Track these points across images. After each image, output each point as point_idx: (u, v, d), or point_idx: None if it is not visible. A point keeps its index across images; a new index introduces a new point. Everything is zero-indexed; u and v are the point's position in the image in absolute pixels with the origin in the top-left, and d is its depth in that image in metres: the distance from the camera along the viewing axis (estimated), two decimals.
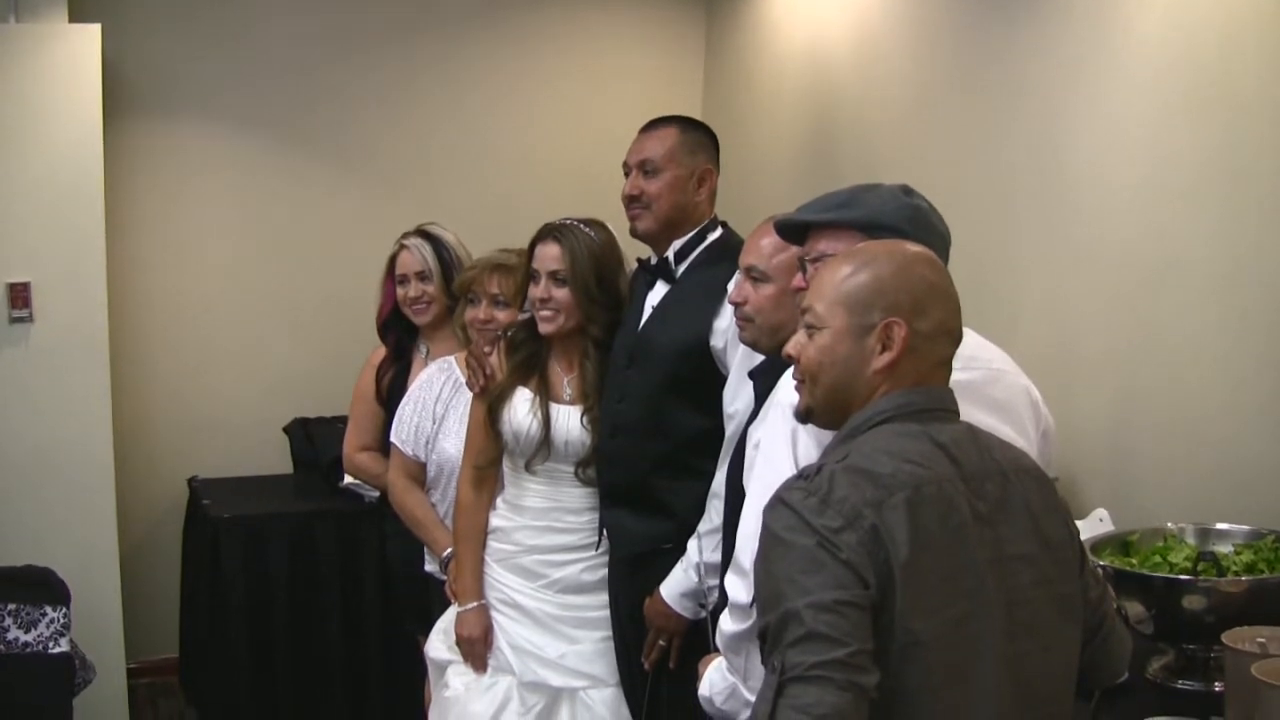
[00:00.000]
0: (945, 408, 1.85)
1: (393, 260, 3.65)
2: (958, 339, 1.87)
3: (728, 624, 2.11)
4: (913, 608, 1.65)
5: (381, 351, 3.73)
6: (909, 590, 1.65)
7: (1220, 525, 2.52)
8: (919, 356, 1.81)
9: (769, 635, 1.65)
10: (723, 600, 2.26)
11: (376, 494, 4.04)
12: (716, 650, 2.25)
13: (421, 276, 3.58)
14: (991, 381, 2.22)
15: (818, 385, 1.85)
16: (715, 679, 2.17)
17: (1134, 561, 2.41)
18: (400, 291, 3.61)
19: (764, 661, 1.67)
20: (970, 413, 2.15)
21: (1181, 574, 2.30)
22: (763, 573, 1.70)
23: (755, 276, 2.48)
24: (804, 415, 1.90)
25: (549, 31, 5.38)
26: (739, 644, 2.08)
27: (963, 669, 1.69)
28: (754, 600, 1.97)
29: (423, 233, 3.66)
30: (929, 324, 1.81)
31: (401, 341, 3.69)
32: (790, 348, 1.90)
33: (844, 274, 1.84)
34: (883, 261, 1.84)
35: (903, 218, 2.15)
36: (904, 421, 1.79)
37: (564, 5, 5.40)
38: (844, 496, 1.68)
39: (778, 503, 1.72)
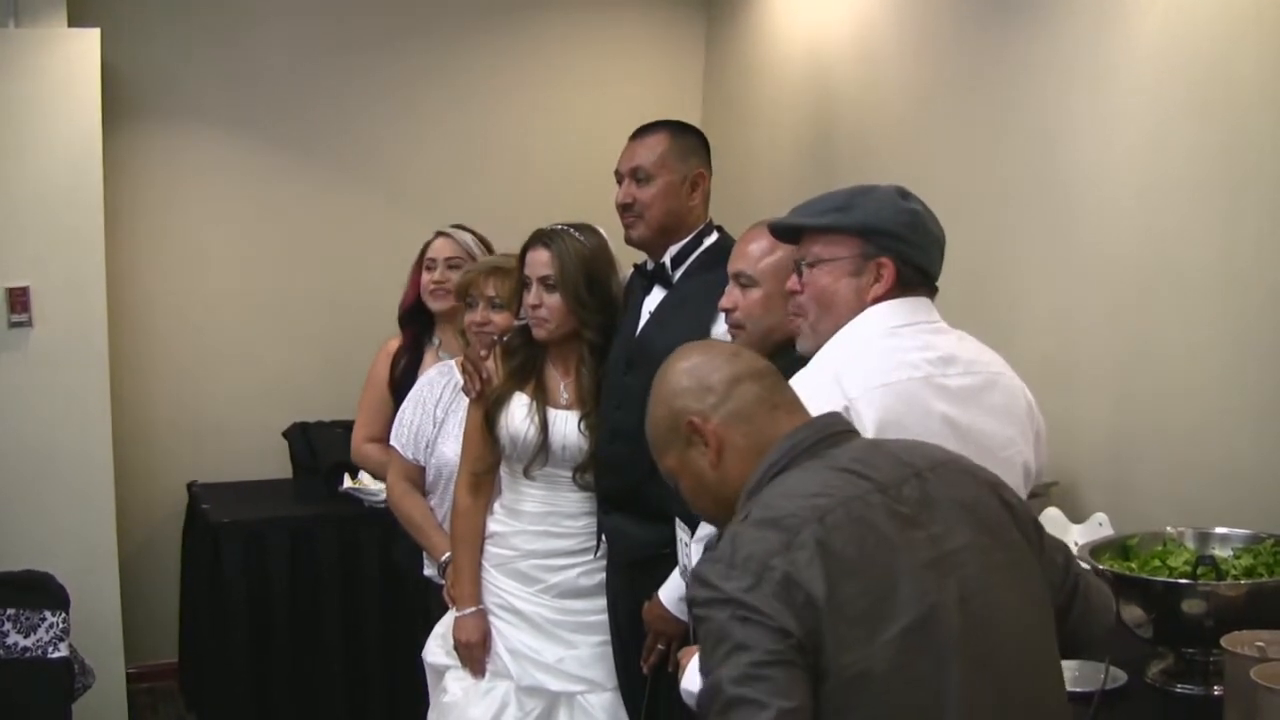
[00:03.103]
0: (834, 431, 1.84)
1: (425, 249, 3.71)
2: (756, 374, 1.87)
3: None
4: (849, 638, 1.61)
5: (396, 341, 3.79)
6: (840, 623, 1.61)
7: (1219, 529, 2.51)
8: (735, 421, 1.83)
9: (700, 708, 1.65)
10: None
11: (377, 499, 4.04)
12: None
13: (450, 263, 3.65)
14: (990, 386, 2.22)
15: (707, 513, 1.92)
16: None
17: (1133, 566, 2.41)
18: (425, 276, 3.66)
19: None
20: (972, 417, 2.15)
21: (1181, 578, 2.30)
22: (699, 647, 1.70)
23: (744, 282, 2.50)
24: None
25: (548, 34, 5.38)
26: None
27: (925, 679, 1.64)
28: None
29: (461, 227, 3.74)
30: (714, 396, 1.84)
31: (419, 334, 3.74)
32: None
33: (648, 427, 1.93)
34: (651, 399, 1.92)
35: (899, 223, 2.17)
36: (801, 462, 1.78)
37: (563, 8, 5.40)
38: (749, 553, 1.65)
39: (693, 579, 1.71)
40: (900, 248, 2.18)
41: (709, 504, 1.90)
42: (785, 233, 2.30)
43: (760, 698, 1.56)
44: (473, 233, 3.73)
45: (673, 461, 1.89)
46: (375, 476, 4.02)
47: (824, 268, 2.21)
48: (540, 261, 3.02)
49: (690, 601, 1.72)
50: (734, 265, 2.53)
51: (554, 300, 3.01)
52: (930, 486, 1.76)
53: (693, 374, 1.88)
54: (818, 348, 2.20)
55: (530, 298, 3.03)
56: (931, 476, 1.77)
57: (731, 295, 2.53)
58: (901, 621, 1.64)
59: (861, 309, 2.17)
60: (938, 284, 2.27)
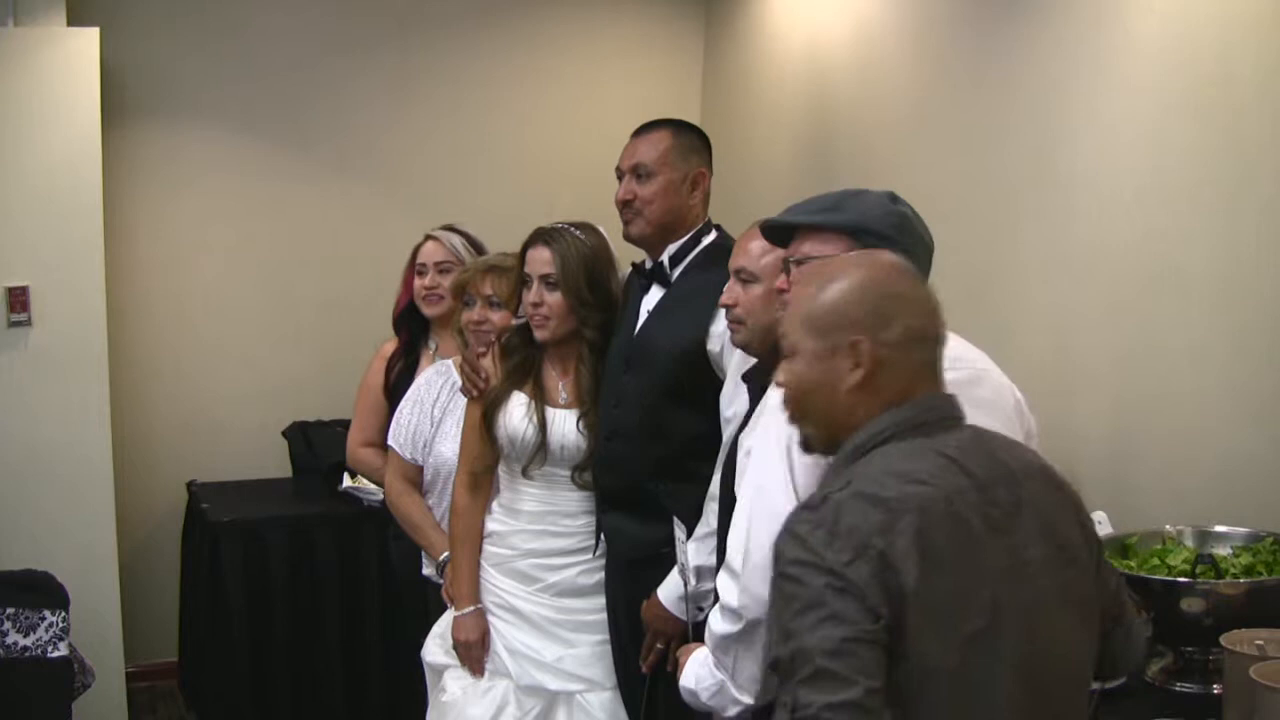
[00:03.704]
0: (948, 415, 1.84)
1: (415, 252, 3.69)
2: (935, 340, 1.85)
3: (718, 624, 2.11)
4: (927, 631, 1.64)
5: (392, 344, 3.77)
6: (922, 614, 1.64)
7: (1219, 528, 2.52)
8: (894, 367, 1.80)
9: (780, 669, 1.64)
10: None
11: (376, 498, 4.04)
12: (698, 641, 2.26)
13: (440, 268, 3.62)
14: (976, 381, 2.22)
15: (805, 413, 1.86)
16: (702, 674, 2.18)
17: (1133, 564, 2.41)
18: (417, 281, 3.65)
19: (776, 692, 1.66)
20: None
21: (1180, 576, 2.31)
22: (777, 604, 1.69)
23: (745, 278, 2.50)
24: (805, 447, 1.90)
25: (548, 33, 5.38)
26: (728, 644, 2.09)
27: (981, 686, 1.67)
28: (745, 617, 2.02)
29: (451, 228, 3.72)
30: (895, 333, 1.80)
31: (414, 337, 3.73)
32: (779, 376, 1.90)
33: (806, 297, 1.86)
34: (840, 279, 1.84)
35: (889, 224, 2.20)
36: (907, 438, 1.77)
37: (563, 6, 5.40)
38: (852, 526, 1.66)
39: (787, 535, 1.71)
40: (888, 248, 2.19)
41: (811, 413, 1.85)
42: (776, 233, 2.32)
43: (850, 674, 1.58)
44: (462, 233, 3.70)
45: (806, 346, 1.83)
46: (371, 481, 4.02)
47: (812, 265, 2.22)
48: (542, 260, 3.02)
49: (779, 555, 1.71)
50: (735, 262, 2.54)
51: (555, 298, 3.01)
52: (1021, 492, 1.77)
53: (895, 299, 1.83)
54: None
55: (531, 296, 3.03)
56: (1024, 482, 1.79)
57: (732, 291, 2.54)
58: (973, 625, 1.67)
59: None
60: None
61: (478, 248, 3.66)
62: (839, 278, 1.85)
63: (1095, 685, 2.10)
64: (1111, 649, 1.89)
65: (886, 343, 1.79)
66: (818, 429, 1.85)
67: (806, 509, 1.72)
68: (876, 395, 1.80)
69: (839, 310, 1.81)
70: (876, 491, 1.69)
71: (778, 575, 1.70)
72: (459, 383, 3.29)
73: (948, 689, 1.65)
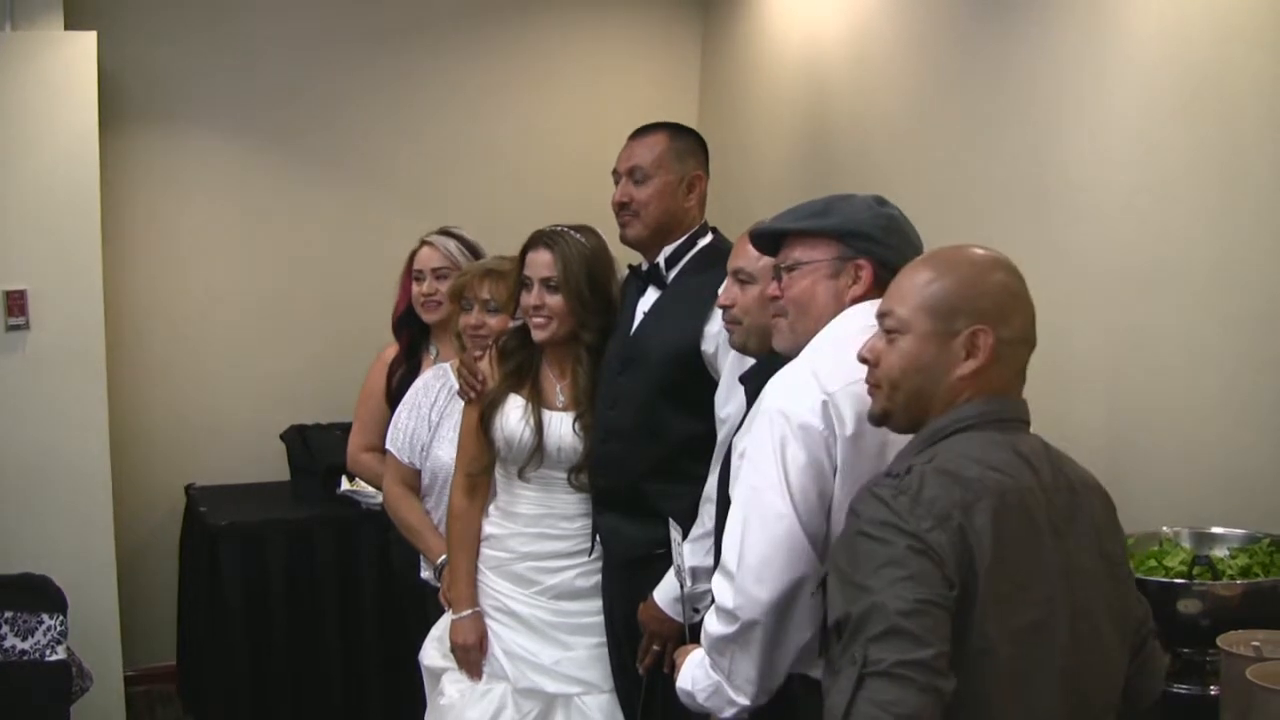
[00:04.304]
0: (1022, 418, 1.88)
1: (412, 257, 3.68)
2: (1032, 346, 1.90)
3: (713, 625, 2.12)
4: (990, 612, 1.67)
5: (393, 349, 3.77)
6: (989, 594, 1.67)
7: (1215, 529, 2.53)
8: (1003, 364, 1.84)
9: (849, 626, 1.66)
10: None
11: (375, 501, 4.04)
12: (695, 642, 2.26)
13: (437, 274, 3.62)
14: None
15: (898, 390, 1.87)
16: (698, 675, 2.18)
17: (1130, 566, 2.41)
18: (415, 288, 3.64)
19: (837, 650, 1.68)
20: None
21: (1177, 578, 2.31)
22: (846, 564, 1.71)
23: (743, 279, 2.51)
24: (879, 418, 1.92)
25: (545, 36, 5.39)
26: (724, 646, 2.09)
27: (1029, 678, 1.71)
28: (740, 618, 2.00)
29: (446, 232, 3.71)
30: (1011, 331, 1.84)
31: (414, 341, 3.72)
32: (865, 351, 1.92)
33: (926, 278, 1.86)
34: (965, 267, 1.86)
35: (876, 226, 2.22)
36: (986, 429, 1.81)
37: (561, 9, 5.41)
38: (934, 496, 1.70)
39: (869, 497, 1.74)
40: (877, 250, 2.21)
41: (905, 391, 1.86)
42: (765, 242, 2.34)
43: (923, 635, 1.61)
44: (457, 236, 3.69)
45: (921, 325, 1.84)
46: (372, 485, 4.02)
47: (803, 270, 2.24)
48: (542, 263, 3.02)
49: (857, 514, 1.74)
50: (734, 262, 2.56)
51: (556, 301, 3.01)
52: (1078, 503, 1.83)
53: (1014, 298, 1.86)
54: (795, 347, 2.22)
55: (531, 299, 3.02)
56: (1081, 493, 1.84)
57: (730, 292, 2.55)
58: (1030, 617, 1.71)
59: (841, 310, 2.20)
60: None
61: (474, 251, 3.66)
62: (961, 265, 1.86)
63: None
64: (1129, 672, 1.91)
65: (1003, 339, 1.83)
66: (906, 407, 1.87)
67: (890, 475, 1.76)
68: (979, 387, 1.83)
69: (965, 297, 1.83)
70: (959, 470, 1.73)
71: (855, 534, 1.73)
72: (456, 386, 3.30)
73: (1001, 676, 1.68)
